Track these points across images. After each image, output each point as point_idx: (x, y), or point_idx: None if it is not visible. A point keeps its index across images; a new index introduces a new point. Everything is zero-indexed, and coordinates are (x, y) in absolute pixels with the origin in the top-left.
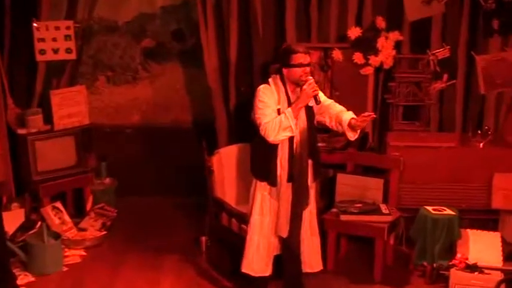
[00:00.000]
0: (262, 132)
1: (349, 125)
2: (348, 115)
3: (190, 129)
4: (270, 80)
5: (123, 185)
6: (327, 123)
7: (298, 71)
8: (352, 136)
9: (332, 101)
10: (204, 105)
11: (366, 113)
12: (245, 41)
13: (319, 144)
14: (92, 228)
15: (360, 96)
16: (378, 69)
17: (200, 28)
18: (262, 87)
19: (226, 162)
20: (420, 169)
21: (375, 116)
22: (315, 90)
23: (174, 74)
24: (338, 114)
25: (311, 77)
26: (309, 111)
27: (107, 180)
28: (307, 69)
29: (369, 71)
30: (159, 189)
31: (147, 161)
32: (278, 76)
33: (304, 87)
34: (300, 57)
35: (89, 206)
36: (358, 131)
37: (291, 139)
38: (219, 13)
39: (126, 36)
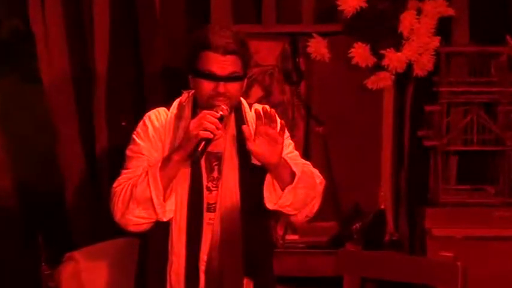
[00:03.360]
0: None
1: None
2: None
3: (8, 209)
4: (178, 99)
5: None
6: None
7: (206, 85)
8: (270, 200)
9: (296, 153)
10: (39, 159)
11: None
12: (127, 30)
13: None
14: None
15: (367, 134)
16: (404, 77)
17: (29, 2)
18: (150, 114)
19: (89, 278)
20: (500, 284)
21: (282, 124)
22: (205, 130)
23: None
24: None
25: (225, 107)
26: (247, 173)
27: None
28: (221, 87)
29: (384, 81)
30: None
31: None
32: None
33: (191, 123)
34: (210, 59)
35: None
36: (289, 194)
37: (192, 232)
38: None
39: None
